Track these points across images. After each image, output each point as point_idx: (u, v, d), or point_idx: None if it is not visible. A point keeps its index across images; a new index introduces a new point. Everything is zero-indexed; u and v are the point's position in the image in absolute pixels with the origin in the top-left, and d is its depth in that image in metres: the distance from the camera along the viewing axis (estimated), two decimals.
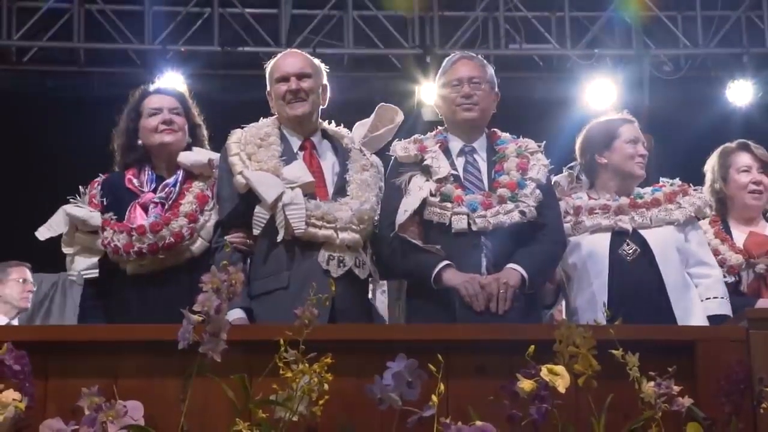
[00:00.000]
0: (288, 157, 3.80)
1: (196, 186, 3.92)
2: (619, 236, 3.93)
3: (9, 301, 6.16)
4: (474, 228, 3.70)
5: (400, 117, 4.04)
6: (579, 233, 3.96)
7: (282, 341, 2.48)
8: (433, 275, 3.64)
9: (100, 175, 4.05)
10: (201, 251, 3.81)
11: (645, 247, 3.90)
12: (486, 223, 3.69)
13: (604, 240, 3.91)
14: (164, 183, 3.92)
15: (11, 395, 2.47)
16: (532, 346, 2.51)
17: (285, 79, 3.89)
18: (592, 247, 3.91)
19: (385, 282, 4.67)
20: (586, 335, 2.52)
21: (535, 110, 8.12)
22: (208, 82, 8.08)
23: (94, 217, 3.88)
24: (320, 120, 3.99)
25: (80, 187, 4.01)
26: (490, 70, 3.99)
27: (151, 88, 4.16)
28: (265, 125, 3.90)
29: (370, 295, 4.08)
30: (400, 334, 3.03)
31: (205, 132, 4.09)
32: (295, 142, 3.89)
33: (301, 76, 3.89)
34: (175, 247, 3.78)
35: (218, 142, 4.12)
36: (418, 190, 3.76)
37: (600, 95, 8.44)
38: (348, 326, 3.28)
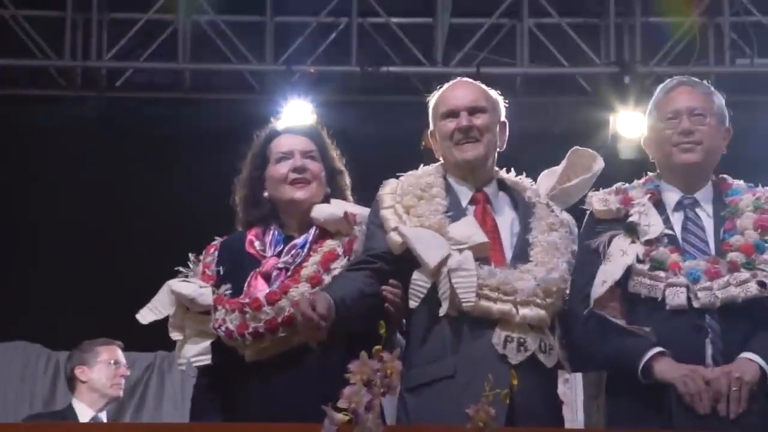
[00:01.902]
0: (455, 212, 3.87)
1: (328, 245, 4.02)
2: None
3: (98, 389, 6.28)
4: (696, 304, 3.69)
5: (599, 164, 4.07)
6: None
7: None
8: (641, 366, 3.64)
9: (217, 238, 4.18)
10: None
11: None
12: (712, 298, 3.68)
13: None
14: (292, 244, 4.03)
15: None
16: None
17: (453, 114, 3.97)
18: None
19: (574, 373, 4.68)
20: None
21: None
22: (344, 110, 8.19)
23: (205, 295, 3.99)
24: (496, 167, 4.06)
25: (190, 254, 4.16)
26: (719, 99, 3.99)
27: (280, 126, 4.29)
28: (427, 174, 3.99)
29: None
30: None
31: (348, 180, 4.20)
32: (465, 194, 3.96)
33: (473, 111, 3.97)
34: None
35: (359, 188, 4.24)
36: (621, 255, 3.77)
37: None
38: (534, 431, 3.30)
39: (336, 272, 3.94)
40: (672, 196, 3.93)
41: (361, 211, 4.07)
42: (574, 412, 5.80)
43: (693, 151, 3.90)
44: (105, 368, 6.33)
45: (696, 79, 4.07)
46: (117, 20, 8.73)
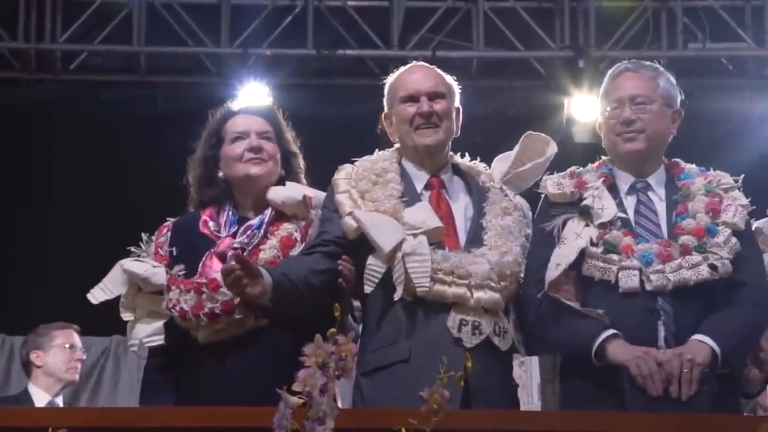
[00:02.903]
0: (410, 197, 3.88)
1: (285, 229, 4.01)
2: None
3: (53, 373, 6.27)
4: (648, 287, 3.71)
5: (552, 149, 4.10)
6: None
7: (404, 431, 2.52)
8: (595, 348, 3.67)
9: (168, 219, 4.17)
10: None
11: None
12: (664, 281, 3.70)
13: None
14: (247, 225, 4.03)
15: None
16: None
17: (413, 99, 3.98)
18: None
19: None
20: None
21: (724, 127, 8.05)
22: (300, 93, 8.21)
23: (158, 274, 3.99)
24: (451, 152, 4.07)
25: (143, 234, 4.14)
26: (666, 81, 3.99)
27: (236, 106, 4.28)
28: (382, 159, 4.00)
29: None
30: (555, 424, 3.05)
31: (302, 163, 4.19)
32: (420, 179, 3.98)
33: (434, 96, 3.98)
34: (254, 303, 3.84)
35: (313, 171, 4.23)
36: (574, 238, 3.79)
37: None
38: (488, 413, 3.31)
39: None
40: (625, 179, 3.94)
41: (317, 195, 4.08)
42: (529, 395, 5.80)
43: (635, 140, 3.90)
44: (60, 352, 6.32)
45: (643, 63, 4.07)
46: (71, 2, 8.66)
